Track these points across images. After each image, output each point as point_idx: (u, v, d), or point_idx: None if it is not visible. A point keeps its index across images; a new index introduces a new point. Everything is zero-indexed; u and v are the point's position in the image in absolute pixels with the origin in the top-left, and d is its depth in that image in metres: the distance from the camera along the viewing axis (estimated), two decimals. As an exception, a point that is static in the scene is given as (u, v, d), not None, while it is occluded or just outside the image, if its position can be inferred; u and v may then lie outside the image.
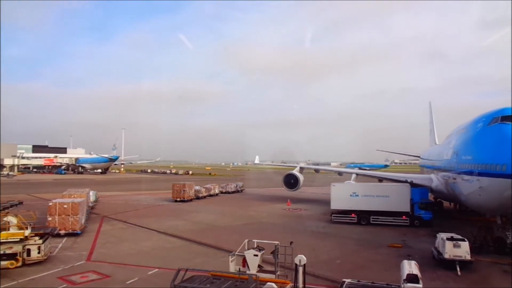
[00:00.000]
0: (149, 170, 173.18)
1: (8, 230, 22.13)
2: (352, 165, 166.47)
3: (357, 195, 39.83)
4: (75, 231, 31.05)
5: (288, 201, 54.37)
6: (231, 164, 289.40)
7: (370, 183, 44.65)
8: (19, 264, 21.38)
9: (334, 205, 41.36)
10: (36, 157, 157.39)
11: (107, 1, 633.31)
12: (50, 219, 31.28)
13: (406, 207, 38.12)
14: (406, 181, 43.37)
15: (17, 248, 21.54)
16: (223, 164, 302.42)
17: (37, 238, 22.74)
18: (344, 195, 40.57)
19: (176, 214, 43.79)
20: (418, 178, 44.52)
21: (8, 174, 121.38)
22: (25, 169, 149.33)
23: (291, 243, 17.69)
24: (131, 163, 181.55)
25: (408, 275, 14.54)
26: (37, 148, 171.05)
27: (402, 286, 14.18)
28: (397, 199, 38.37)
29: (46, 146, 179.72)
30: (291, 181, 59.78)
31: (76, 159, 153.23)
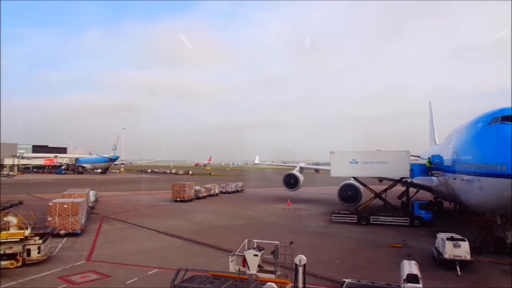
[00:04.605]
0: (149, 170, 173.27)
1: (8, 230, 22.11)
2: None
3: (357, 162, 40.15)
4: (75, 231, 31.02)
5: (288, 201, 54.38)
6: (231, 164, 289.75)
7: (369, 150, 44.71)
8: (19, 264, 21.34)
9: (334, 172, 41.84)
10: (36, 157, 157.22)
11: (116, 0, 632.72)
12: (50, 219, 31.27)
13: (406, 173, 38.44)
14: (406, 181, 43.40)
15: (17, 248, 21.51)
16: (223, 164, 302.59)
17: (37, 238, 22.70)
18: (344, 162, 40.91)
19: (176, 214, 43.80)
20: (418, 177, 44.46)
21: (8, 174, 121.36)
22: (25, 169, 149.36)
23: (291, 243, 17.68)
24: (131, 163, 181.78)
25: (408, 275, 14.53)
26: (37, 148, 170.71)
27: (402, 286, 14.17)
28: (396, 165, 38.73)
29: (46, 146, 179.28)
30: (291, 181, 59.89)
31: (76, 159, 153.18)
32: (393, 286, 14.74)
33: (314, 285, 17.77)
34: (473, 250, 23.04)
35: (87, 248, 26.54)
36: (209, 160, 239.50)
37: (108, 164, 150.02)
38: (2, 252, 21.05)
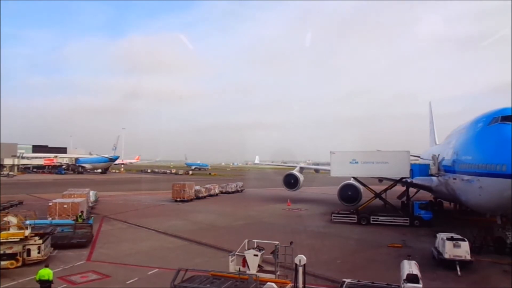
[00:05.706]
0: (149, 170, 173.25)
1: (8, 230, 22.12)
2: None
3: (357, 162, 40.25)
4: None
5: (288, 201, 54.38)
6: (231, 164, 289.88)
7: (369, 150, 44.74)
8: (19, 264, 21.34)
9: (334, 173, 41.86)
10: (36, 157, 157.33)
11: (117, 0, 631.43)
12: (50, 219, 31.28)
13: (406, 173, 38.60)
14: (406, 181, 43.42)
15: (17, 248, 21.52)
16: (223, 164, 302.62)
17: (37, 238, 22.71)
18: (344, 162, 40.99)
19: (176, 214, 43.79)
20: (418, 177, 44.52)
21: (8, 174, 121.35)
22: (25, 169, 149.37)
23: (291, 243, 17.71)
24: (131, 163, 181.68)
25: (408, 275, 14.55)
26: (37, 148, 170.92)
27: (402, 286, 14.19)
28: (396, 165, 38.81)
29: (46, 146, 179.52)
30: (291, 181, 59.93)
31: (76, 159, 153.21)
32: (393, 286, 14.75)
33: (314, 285, 17.78)
34: (473, 250, 23.04)
35: (87, 248, 26.53)
36: (137, 158, 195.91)
37: (108, 164, 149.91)
38: (2, 252, 21.06)
